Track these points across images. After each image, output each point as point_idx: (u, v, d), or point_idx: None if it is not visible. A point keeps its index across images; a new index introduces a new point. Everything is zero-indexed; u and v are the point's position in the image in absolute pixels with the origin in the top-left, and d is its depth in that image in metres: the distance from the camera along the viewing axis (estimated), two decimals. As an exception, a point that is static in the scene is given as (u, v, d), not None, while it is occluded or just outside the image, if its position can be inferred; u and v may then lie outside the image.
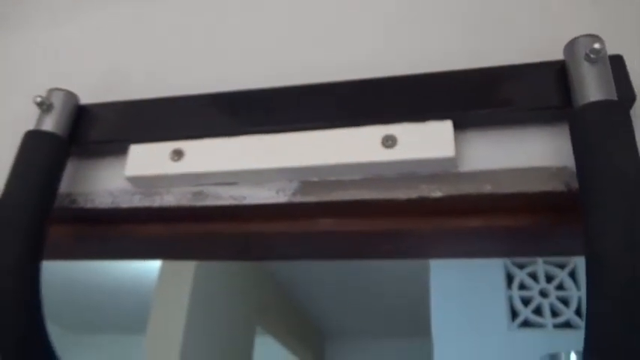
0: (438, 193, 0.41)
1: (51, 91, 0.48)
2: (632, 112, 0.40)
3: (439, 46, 0.46)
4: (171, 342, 2.22)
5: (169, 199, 0.46)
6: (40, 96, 0.46)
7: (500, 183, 0.40)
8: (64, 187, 0.48)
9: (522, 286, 2.33)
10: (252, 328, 3.06)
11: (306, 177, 0.44)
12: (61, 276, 3.60)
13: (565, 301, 2.45)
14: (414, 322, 3.55)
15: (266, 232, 0.47)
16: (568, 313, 2.40)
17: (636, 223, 0.32)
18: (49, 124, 0.46)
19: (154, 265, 2.50)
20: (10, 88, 0.57)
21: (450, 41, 0.47)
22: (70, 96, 0.48)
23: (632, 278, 0.31)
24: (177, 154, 0.45)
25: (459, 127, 0.42)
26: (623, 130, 0.35)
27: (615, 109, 0.36)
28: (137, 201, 0.47)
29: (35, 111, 0.47)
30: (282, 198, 0.44)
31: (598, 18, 0.45)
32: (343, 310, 4.05)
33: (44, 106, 0.46)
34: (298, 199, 0.44)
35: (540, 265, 2.34)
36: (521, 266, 2.35)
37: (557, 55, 0.41)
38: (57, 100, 0.47)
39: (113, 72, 0.55)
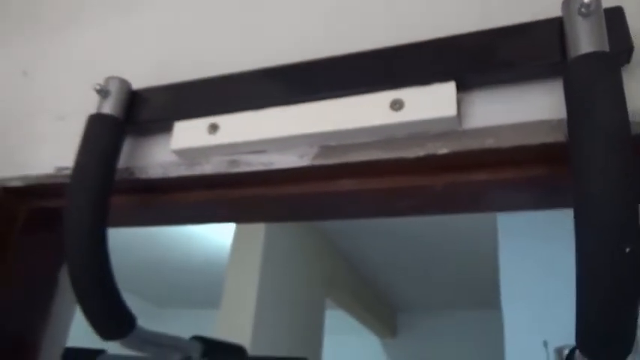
0: (444, 150, 0.45)
1: (108, 79, 0.55)
2: (633, 60, 0.41)
3: (442, 11, 0.49)
4: (243, 316, 2.34)
5: (208, 167, 0.53)
6: (98, 84, 0.54)
7: (502, 137, 0.43)
8: (122, 161, 0.56)
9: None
10: (322, 300, 3.16)
11: (325, 142, 0.49)
12: (147, 255, 3.90)
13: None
14: (485, 293, 3.51)
15: (294, 194, 0.52)
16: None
17: (616, 171, 0.34)
18: (107, 108, 0.54)
19: (228, 245, 2.64)
20: (75, 77, 0.66)
21: (453, 6, 0.49)
22: (124, 83, 0.56)
23: (612, 221, 0.33)
24: (213, 128, 0.52)
25: (462, 88, 0.45)
26: (610, 80, 0.36)
27: (603, 59, 0.37)
28: (182, 170, 0.54)
29: (96, 97, 0.55)
30: (305, 162, 0.49)
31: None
32: (413, 283, 4.08)
33: (102, 92, 0.54)
34: (319, 161, 0.49)
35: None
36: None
37: (557, 11, 0.42)
38: (113, 87, 0.55)
39: (161, 59, 0.62)
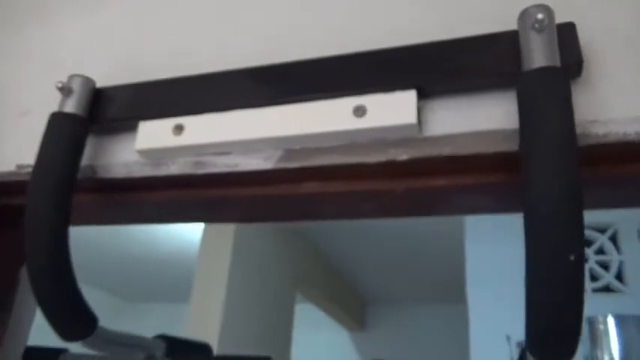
0: (404, 157, 0.46)
1: (71, 76, 0.55)
2: (583, 74, 0.43)
3: (404, 21, 0.50)
4: (213, 309, 2.34)
5: (174, 168, 0.53)
6: (61, 82, 0.53)
7: (459, 145, 0.44)
8: (86, 160, 0.55)
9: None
10: (292, 294, 3.17)
11: (289, 145, 0.49)
12: (118, 251, 3.84)
13: (605, 266, 2.43)
14: (452, 288, 3.58)
15: (259, 195, 0.53)
16: (608, 277, 2.38)
17: (563, 177, 0.36)
18: (69, 106, 0.53)
19: (198, 239, 2.63)
20: (39, 73, 0.65)
21: (415, 15, 0.50)
22: (88, 80, 0.55)
23: (557, 231, 0.35)
24: (179, 129, 0.52)
25: (423, 95, 0.46)
26: (559, 94, 0.38)
27: (554, 73, 0.39)
28: (147, 171, 0.54)
29: (59, 95, 0.54)
30: (269, 164, 0.50)
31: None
32: (382, 277, 4.13)
33: (65, 90, 0.53)
34: (283, 164, 0.49)
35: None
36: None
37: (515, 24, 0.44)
38: (76, 85, 0.54)
39: (128, 57, 0.62)
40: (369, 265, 3.90)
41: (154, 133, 0.53)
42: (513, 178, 0.45)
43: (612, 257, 2.43)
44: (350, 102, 0.47)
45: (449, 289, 3.84)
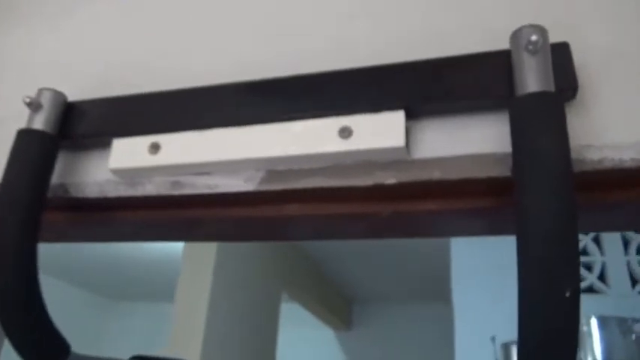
0: (392, 180, 0.44)
1: (40, 90, 0.52)
2: (578, 97, 0.41)
3: (391, 38, 0.48)
4: (197, 308, 2.32)
5: (150, 188, 0.50)
6: (28, 97, 0.50)
7: (449, 170, 0.42)
8: (57, 177, 0.52)
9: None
10: (278, 294, 3.15)
11: (271, 166, 0.47)
12: (102, 250, 3.78)
13: (588, 267, 2.44)
14: (438, 287, 3.59)
15: (239, 217, 0.50)
16: (591, 278, 2.39)
17: (558, 205, 0.34)
18: (38, 123, 0.50)
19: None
20: (9, 84, 0.62)
21: (403, 33, 0.48)
22: (58, 95, 0.52)
23: (552, 264, 0.34)
24: (155, 148, 0.49)
25: (411, 116, 0.44)
26: (553, 120, 0.36)
27: (548, 100, 0.37)
28: (122, 190, 0.51)
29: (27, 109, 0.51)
30: (250, 186, 0.47)
31: (551, 5, 0.45)
32: (369, 276, 4.12)
33: (33, 106, 0.50)
34: (265, 187, 0.47)
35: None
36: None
37: (507, 43, 0.42)
38: (45, 100, 0.51)
39: (102, 70, 0.59)
40: (354, 263, 3.89)
41: (128, 152, 0.50)
42: (504, 202, 0.43)
43: (595, 258, 2.45)
44: (335, 122, 0.45)
45: (436, 288, 3.85)
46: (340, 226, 0.50)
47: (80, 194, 0.52)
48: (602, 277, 2.42)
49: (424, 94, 0.43)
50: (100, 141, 0.52)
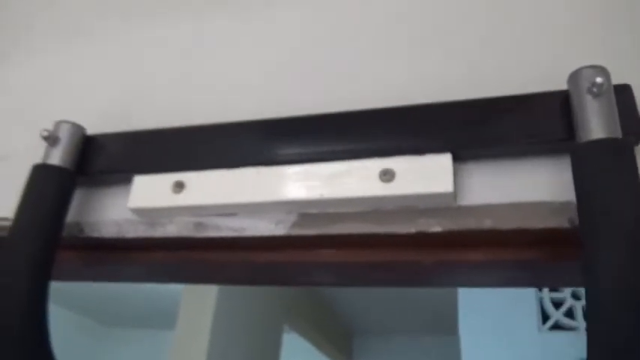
0: (437, 228, 0.40)
1: (58, 123, 0.49)
2: (640, 144, 0.38)
3: (439, 76, 0.45)
4: (198, 338, 2.27)
5: (171, 229, 0.47)
6: (46, 130, 0.47)
7: (501, 218, 0.39)
8: (72, 215, 0.49)
9: (553, 288, 2.28)
10: (279, 326, 3.08)
11: (304, 209, 0.44)
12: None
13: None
14: (441, 320, 3.52)
15: (264, 262, 0.47)
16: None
17: (632, 264, 0.31)
18: (55, 158, 0.47)
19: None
20: (19, 121, 0.59)
21: (451, 71, 0.45)
22: (77, 128, 0.49)
23: (628, 326, 0.30)
24: (179, 186, 0.46)
25: (458, 159, 0.41)
26: (625, 171, 0.33)
27: (618, 148, 0.34)
28: (141, 231, 0.47)
29: (43, 142, 0.48)
30: (280, 230, 0.44)
31: (607, 44, 0.43)
32: (370, 308, 4.04)
33: (50, 140, 0.47)
34: (296, 231, 0.43)
35: (571, 268, 2.26)
36: (550, 268, 2.27)
37: (563, 83, 0.39)
38: (63, 133, 0.48)
39: (120, 102, 0.56)
40: (356, 294, 3.81)
41: (150, 190, 0.47)
42: (557, 254, 0.40)
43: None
44: (376, 164, 0.41)
45: (439, 320, 3.77)
46: (377, 274, 0.46)
47: (96, 234, 0.49)
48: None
49: (473, 135, 0.40)
50: (120, 177, 0.49)
